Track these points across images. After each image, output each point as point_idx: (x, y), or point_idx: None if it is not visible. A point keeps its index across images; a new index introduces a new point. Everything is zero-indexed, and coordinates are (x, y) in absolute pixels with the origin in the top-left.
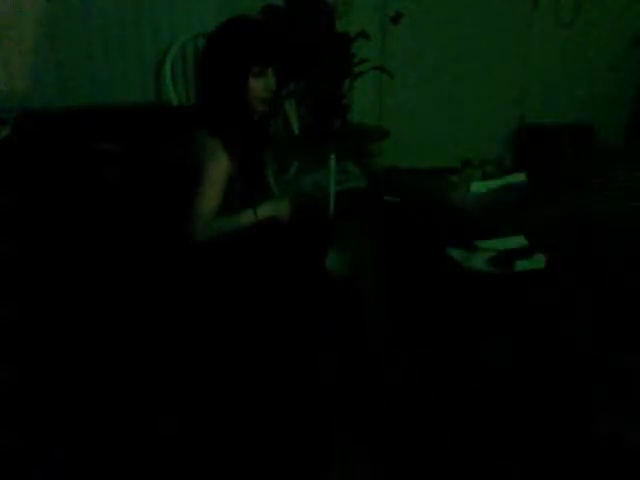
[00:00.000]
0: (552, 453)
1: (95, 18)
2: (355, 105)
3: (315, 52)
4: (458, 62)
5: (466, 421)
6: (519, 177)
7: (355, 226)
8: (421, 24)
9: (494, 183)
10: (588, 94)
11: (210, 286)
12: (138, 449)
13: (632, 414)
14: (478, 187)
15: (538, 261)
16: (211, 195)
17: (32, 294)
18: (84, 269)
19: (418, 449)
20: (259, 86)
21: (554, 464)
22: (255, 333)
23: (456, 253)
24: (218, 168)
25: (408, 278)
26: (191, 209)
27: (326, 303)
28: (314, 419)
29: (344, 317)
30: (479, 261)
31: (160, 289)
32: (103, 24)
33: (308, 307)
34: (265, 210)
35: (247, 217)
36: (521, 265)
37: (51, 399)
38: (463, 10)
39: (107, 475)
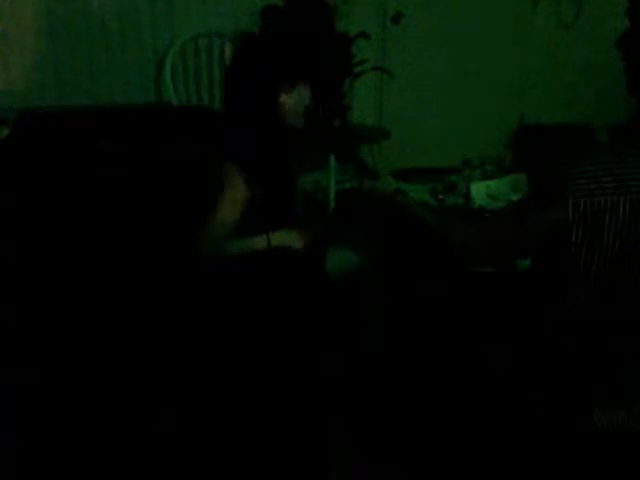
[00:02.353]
0: (551, 451)
1: (95, 18)
2: (355, 105)
3: (315, 52)
4: (458, 62)
5: (465, 421)
6: (519, 178)
7: (355, 226)
8: (421, 24)
9: (494, 183)
10: (588, 94)
11: (210, 287)
12: (138, 449)
13: (631, 412)
14: (478, 187)
15: None
16: (225, 217)
17: (32, 294)
18: (84, 269)
19: (417, 449)
20: (292, 101)
21: (554, 462)
22: (254, 333)
23: None
24: (233, 193)
25: (408, 278)
26: (201, 226)
27: (326, 303)
28: (313, 419)
29: (344, 317)
30: None
31: (160, 289)
32: (103, 24)
33: (308, 307)
34: (279, 238)
35: (259, 243)
36: (522, 265)
37: (51, 399)
38: (463, 10)
39: (107, 475)
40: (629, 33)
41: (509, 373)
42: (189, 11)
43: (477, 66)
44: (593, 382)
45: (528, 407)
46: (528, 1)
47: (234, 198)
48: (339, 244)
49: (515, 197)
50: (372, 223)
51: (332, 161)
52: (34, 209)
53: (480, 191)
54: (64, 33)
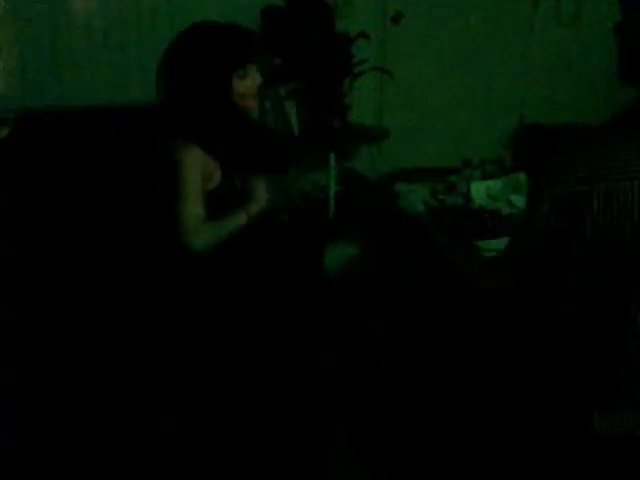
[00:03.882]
0: (551, 451)
1: (96, 18)
2: (355, 105)
3: (315, 52)
4: (458, 62)
5: (465, 420)
6: (519, 178)
7: (355, 226)
8: (421, 24)
9: (494, 183)
10: (588, 94)
11: (210, 286)
12: (138, 449)
13: (632, 411)
14: (478, 187)
15: None
16: (193, 197)
17: (32, 294)
18: (84, 269)
19: (416, 448)
20: (245, 85)
21: (553, 462)
22: (254, 333)
23: None
24: (194, 174)
25: (408, 278)
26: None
27: (325, 303)
28: (313, 419)
29: (343, 317)
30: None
31: (160, 288)
32: (103, 24)
33: (307, 307)
34: (253, 207)
35: (238, 218)
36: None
37: (51, 399)
38: (463, 10)
39: (107, 475)
40: (625, 19)
41: (509, 373)
42: (189, 11)
43: (477, 66)
44: (592, 382)
45: (528, 407)
46: (528, 1)
47: (195, 179)
48: (338, 242)
49: (515, 197)
50: (372, 223)
51: (332, 161)
52: (34, 209)
53: (480, 191)
54: (64, 33)
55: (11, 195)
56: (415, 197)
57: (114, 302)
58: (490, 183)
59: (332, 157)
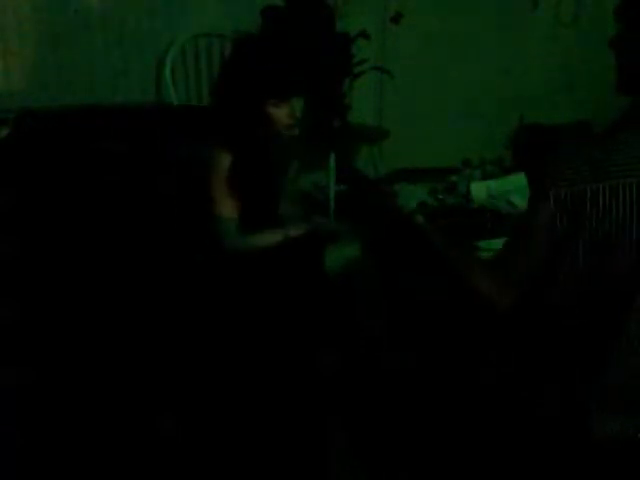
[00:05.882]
0: (551, 452)
1: (95, 19)
2: (355, 105)
3: (315, 52)
4: (458, 62)
5: (465, 421)
6: (519, 178)
7: (355, 226)
8: (421, 24)
9: (494, 184)
10: (588, 94)
11: (210, 286)
12: (138, 449)
13: (633, 413)
14: (478, 187)
15: None
16: (225, 200)
17: (32, 294)
18: (85, 269)
19: (416, 449)
20: (279, 113)
21: (553, 463)
22: (254, 333)
23: None
24: (222, 168)
25: (407, 278)
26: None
27: (325, 303)
28: (313, 419)
29: (342, 317)
30: None
31: (160, 289)
32: (103, 24)
33: (307, 307)
34: (293, 231)
35: (277, 236)
36: None
37: (51, 399)
38: (463, 10)
39: (107, 475)
40: (620, 33)
41: (510, 373)
42: (189, 11)
43: (477, 66)
44: (592, 382)
45: (528, 407)
46: (528, 1)
47: (224, 183)
48: (339, 243)
49: (515, 197)
50: (372, 223)
51: (332, 161)
52: (34, 209)
53: (480, 191)
54: (65, 33)
55: (11, 195)
56: (411, 195)
57: (114, 302)
58: (490, 183)
59: (332, 157)
